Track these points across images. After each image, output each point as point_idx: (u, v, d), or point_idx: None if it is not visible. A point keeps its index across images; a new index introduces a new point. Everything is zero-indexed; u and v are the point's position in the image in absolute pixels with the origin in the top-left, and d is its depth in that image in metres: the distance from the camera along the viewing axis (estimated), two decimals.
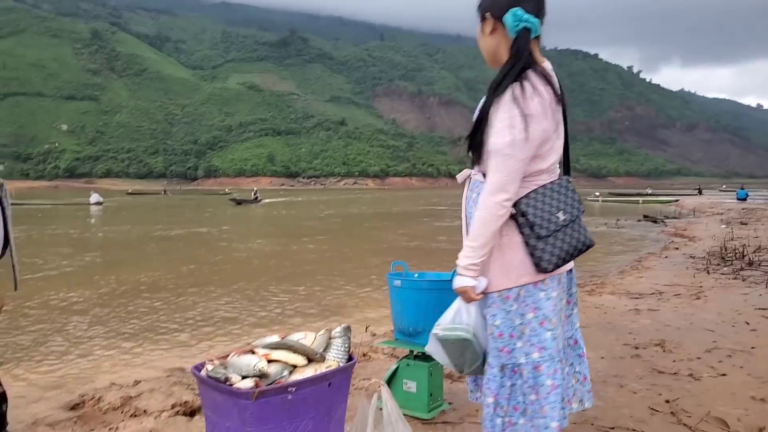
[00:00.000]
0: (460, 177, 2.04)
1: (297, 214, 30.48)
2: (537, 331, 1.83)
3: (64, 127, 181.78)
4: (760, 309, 5.19)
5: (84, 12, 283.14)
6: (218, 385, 1.71)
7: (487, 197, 1.78)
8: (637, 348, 4.04)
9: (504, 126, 1.74)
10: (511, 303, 1.84)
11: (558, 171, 1.92)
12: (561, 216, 1.82)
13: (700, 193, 55.68)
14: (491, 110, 1.79)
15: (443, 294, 2.77)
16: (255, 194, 43.30)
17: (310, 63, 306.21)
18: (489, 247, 1.80)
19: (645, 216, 22.54)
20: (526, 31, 1.79)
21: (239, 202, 39.08)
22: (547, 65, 1.85)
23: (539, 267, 1.79)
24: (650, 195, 49.63)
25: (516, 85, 1.76)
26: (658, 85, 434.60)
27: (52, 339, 5.57)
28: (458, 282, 1.84)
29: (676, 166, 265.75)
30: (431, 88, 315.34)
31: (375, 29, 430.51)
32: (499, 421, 1.85)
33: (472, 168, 1.99)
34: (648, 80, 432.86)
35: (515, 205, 1.81)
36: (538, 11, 1.82)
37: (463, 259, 1.82)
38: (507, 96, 1.76)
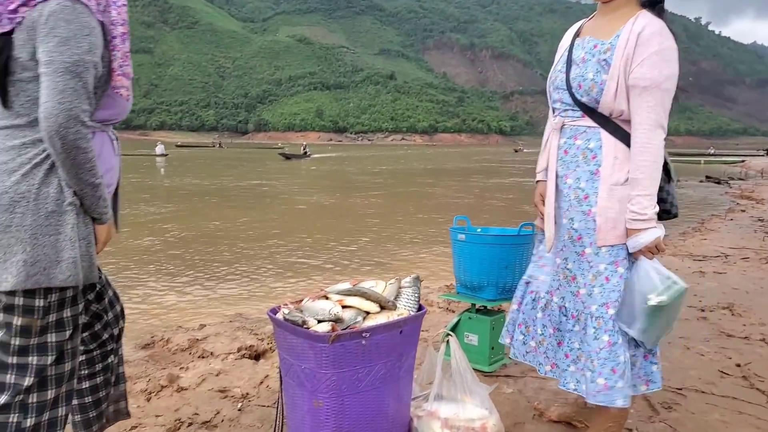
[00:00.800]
0: (553, 124, 1.91)
1: (348, 169, 30.60)
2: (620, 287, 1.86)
3: None
4: None
5: None
6: (295, 328, 1.75)
7: (650, 137, 1.67)
8: (703, 311, 3.92)
9: (661, 59, 1.66)
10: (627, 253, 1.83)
11: None
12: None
13: (767, 154, 52.79)
14: (622, 42, 1.71)
15: (507, 249, 2.75)
16: (304, 149, 43.61)
17: (359, 15, 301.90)
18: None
19: (707, 177, 21.58)
20: None
21: (288, 157, 39.36)
22: None
23: (670, 213, 1.83)
24: (713, 155, 47.40)
25: (651, 16, 1.71)
26: (728, 38, 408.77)
27: (122, 280, 5.84)
28: (650, 235, 1.69)
29: (742, 126, 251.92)
30: (484, 40, 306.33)
31: None
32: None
33: (555, 115, 1.91)
34: (717, 33, 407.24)
35: None
36: None
37: (644, 208, 1.68)
38: (656, 27, 1.68)
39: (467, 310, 2.94)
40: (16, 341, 1.40)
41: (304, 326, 1.74)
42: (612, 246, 1.76)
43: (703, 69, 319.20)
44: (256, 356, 3.26)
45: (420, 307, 1.99)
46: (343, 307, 1.85)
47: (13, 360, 1.41)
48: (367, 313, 1.86)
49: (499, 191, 16.73)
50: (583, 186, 1.79)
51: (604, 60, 1.72)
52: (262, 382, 2.76)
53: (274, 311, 1.95)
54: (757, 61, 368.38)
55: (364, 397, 1.78)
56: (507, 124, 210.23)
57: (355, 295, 1.89)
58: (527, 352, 2.02)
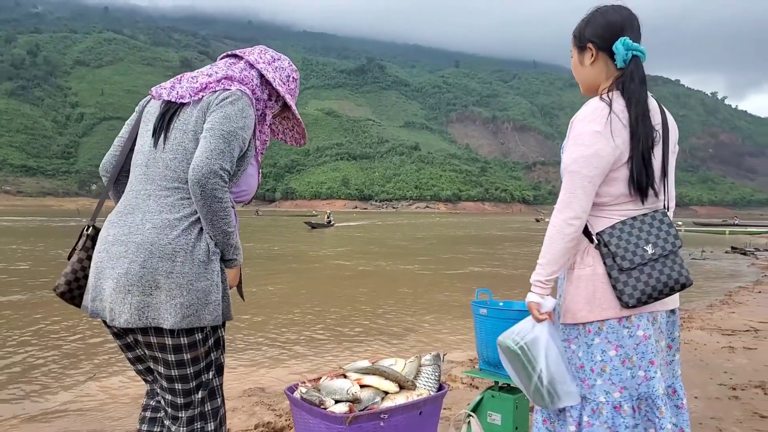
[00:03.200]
0: None
1: (372, 238, 30.78)
2: (618, 369, 1.74)
3: None
4: None
5: (176, 41, 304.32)
6: (312, 408, 1.72)
7: (555, 214, 1.76)
8: (734, 389, 3.75)
9: (572, 143, 1.74)
10: (592, 336, 1.78)
11: (654, 202, 1.82)
12: (650, 249, 1.73)
13: None
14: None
15: None
16: (328, 218, 44.30)
17: (385, 90, 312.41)
18: (557, 266, 1.76)
19: (733, 247, 21.14)
20: (637, 58, 1.78)
21: (314, 226, 39.66)
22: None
23: (621, 301, 1.71)
24: (737, 225, 46.58)
25: (592, 102, 1.76)
26: (745, 111, 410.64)
27: None
28: (527, 297, 1.82)
29: (765, 196, 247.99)
30: (505, 113, 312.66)
31: (450, 56, 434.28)
32: None
33: None
34: (734, 106, 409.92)
35: (599, 234, 1.76)
36: (638, 40, 1.82)
37: (533, 275, 1.79)
38: (583, 113, 1.75)
39: (490, 388, 2.86)
40: (191, 369, 1.64)
41: (321, 406, 1.72)
42: (564, 325, 1.83)
43: (722, 141, 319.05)
44: None
45: (440, 387, 1.95)
46: (362, 386, 1.82)
47: (194, 383, 1.65)
48: (386, 392, 1.83)
49: (526, 258, 16.56)
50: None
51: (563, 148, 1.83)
52: None
53: (292, 389, 1.93)
54: None
55: None
56: (530, 193, 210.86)
57: (373, 374, 1.87)
58: None
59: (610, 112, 1.71)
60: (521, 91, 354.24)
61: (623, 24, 1.79)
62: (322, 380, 1.91)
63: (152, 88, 1.76)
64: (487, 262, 16.61)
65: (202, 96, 1.65)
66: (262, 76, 1.78)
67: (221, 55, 1.84)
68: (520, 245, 25.13)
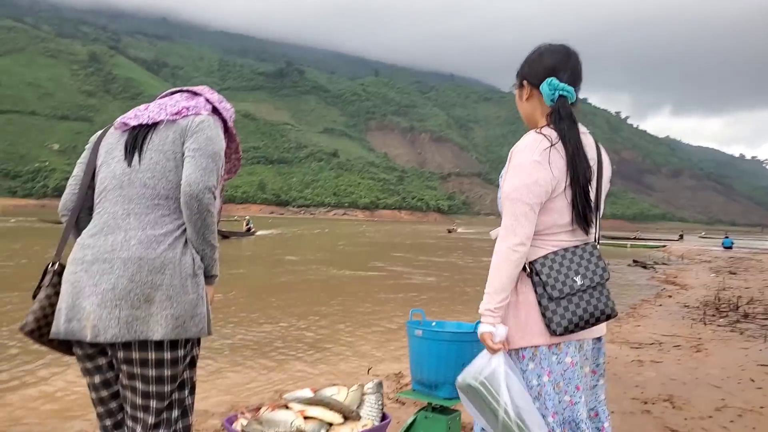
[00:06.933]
0: (493, 234, 2.00)
1: (301, 249, 30.22)
2: (551, 395, 1.81)
3: (56, 146, 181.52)
4: (762, 365, 5.19)
5: (84, 34, 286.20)
6: None
7: (499, 242, 1.81)
8: (645, 403, 4.00)
9: (513, 172, 1.81)
10: (527, 362, 1.84)
11: (585, 235, 1.90)
12: (579, 280, 1.81)
13: (681, 238, 56.38)
14: None
15: (464, 346, 2.75)
16: (248, 224, 36.50)
17: (305, 95, 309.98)
18: (504, 294, 1.80)
19: (635, 261, 22.67)
20: (563, 98, 1.86)
21: (226, 236, 29.79)
22: (581, 127, 1.90)
23: (549, 329, 1.78)
24: (638, 239, 50.07)
25: (530, 134, 1.85)
26: (645, 131, 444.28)
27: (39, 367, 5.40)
28: (479, 328, 1.85)
29: (661, 211, 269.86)
30: (423, 124, 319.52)
31: (370, 65, 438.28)
32: None
33: None
34: (635, 126, 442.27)
35: (531, 263, 1.82)
36: (574, 80, 1.91)
37: (481, 305, 1.82)
38: (521, 144, 1.84)
39: (423, 409, 2.88)
40: (167, 387, 1.67)
41: None
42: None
43: (624, 158, 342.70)
44: None
45: (384, 416, 1.94)
46: (306, 417, 1.78)
47: (166, 402, 1.68)
48: (330, 424, 1.80)
49: (443, 269, 16.95)
50: None
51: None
52: None
53: (231, 420, 1.85)
54: (670, 153, 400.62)
55: None
56: (444, 203, 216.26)
57: (317, 405, 1.83)
58: None
59: (548, 145, 1.79)
60: (439, 103, 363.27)
61: (555, 65, 1.88)
62: (262, 411, 1.85)
63: (115, 121, 1.86)
64: (418, 271, 16.86)
65: (177, 119, 1.78)
66: (215, 111, 1.93)
67: (171, 90, 1.95)
68: (443, 254, 25.69)
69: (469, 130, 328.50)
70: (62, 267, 1.76)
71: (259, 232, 38.12)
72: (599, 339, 1.95)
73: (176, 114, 1.78)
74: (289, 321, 8.27)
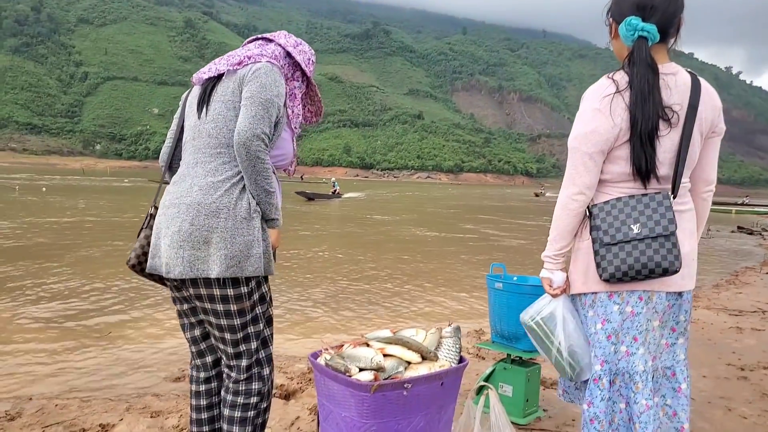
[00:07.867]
0: None
1: (389, 211, 30.64)
2: (602, 343, 1.78)
3: (156, 110, 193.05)
4: None
5: (179, 1, 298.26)
6: (337, 375, 1.75)
7: (561, 191, 1.81)
8: (743, 369, 3.80)
9: (576, 120, 1.77)
10: (587, 309, 1.83)
11: (659, 186, 1.76)
12: (636, 229, 1.70)
13: None
14: None
15: None
16: (334, 187, 35.28)
17: (390, 56, 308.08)
18: (564, 242, 1.81)
19: (739, 227, 21.11)
20: (642, 39, 1.71)
21: (311, 197, 29.48)
22: (670, 67, 1.75)
23: (600, 274, 1.74)
24: (745, 204, 46.37)
25: (601, 79, 1.77)
26: (760, 87, 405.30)
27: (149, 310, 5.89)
28: (540, 273, 1.91)
29: None
30: (512, 83, 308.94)
31: (458, 23, 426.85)
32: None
33: None
34: (749, 82, 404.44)
35: (590, 208, 1.78)
36: (664, 22, 1.73)
37: (544, 251, 1.87)
38: (587, 92, 1.78)
39: (502, 360, 2.90)
40: (237, 321, 1.81)
41: (347, 374, 1.75)
42: (571, 296, 1.92)
43: (733, 117, 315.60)
44: (286, 396, 3.24)
45: (461, 359, 1.98)
46: (385, 355, 1.85)
47: (241, 334, 1.83)
48: (409, 363, 1.85)
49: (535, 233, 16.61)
50: None
51: None
52: (293, 424, 2.74)
53: (315, 355, 1.96)
54: None
55: None
56: (533, 166, 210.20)
57: (396, 344, 1.89)
58: None
59: (613, 92, 1.70)
60: (529, 61, 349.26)
61: (640, 2, 1.72)
62: (345, 348, 1.94)
63: (193, 76, 1.96)
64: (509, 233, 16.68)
65: (237, 69, 1.84)
66: (288, 55, 1.96)
67: (249, 39, 2.01)
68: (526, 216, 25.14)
69: (561, 89, 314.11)
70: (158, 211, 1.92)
71: (345, 195, 38.44)
72: (680, 294, 1.82)
73: (237, 64, 1.84)
74: (376, 274, 8.47)
